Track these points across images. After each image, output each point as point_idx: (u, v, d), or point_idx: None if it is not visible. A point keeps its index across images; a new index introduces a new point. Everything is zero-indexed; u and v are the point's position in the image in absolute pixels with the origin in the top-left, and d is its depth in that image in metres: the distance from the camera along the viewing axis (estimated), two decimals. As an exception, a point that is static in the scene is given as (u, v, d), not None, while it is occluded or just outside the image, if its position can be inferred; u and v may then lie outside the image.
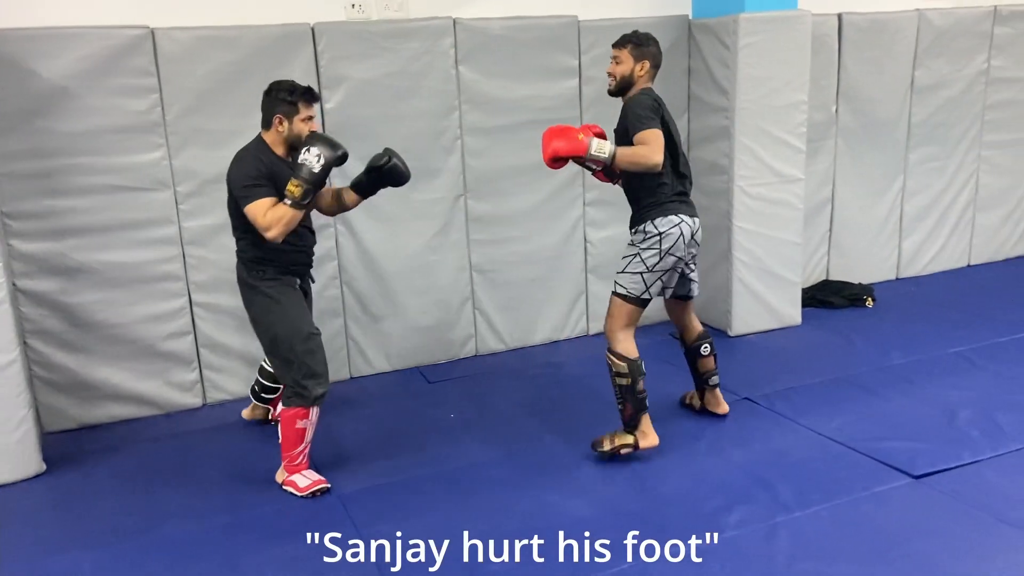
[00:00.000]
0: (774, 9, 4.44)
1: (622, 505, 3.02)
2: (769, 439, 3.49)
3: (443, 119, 4.31)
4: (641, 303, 3.33)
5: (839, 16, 5.12)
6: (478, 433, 3.70)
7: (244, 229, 3.11)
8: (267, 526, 3.00)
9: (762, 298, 4.79)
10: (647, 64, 3.32)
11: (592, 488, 3.16)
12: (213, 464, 3.52)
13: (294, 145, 3.07)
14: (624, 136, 3.25)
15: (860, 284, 5.42)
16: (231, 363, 4.16)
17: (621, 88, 3.37)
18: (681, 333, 3.73)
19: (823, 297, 5.28)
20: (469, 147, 4.40)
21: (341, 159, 3.00)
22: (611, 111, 4.63)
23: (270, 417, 3.84)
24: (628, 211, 3.58)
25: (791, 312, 4.91)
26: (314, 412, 3.15)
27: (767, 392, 3.95)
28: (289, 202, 2.94)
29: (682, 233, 3.28)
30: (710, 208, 4.84)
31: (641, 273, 3.28)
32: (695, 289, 3.59)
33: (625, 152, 3.14)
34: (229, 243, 4.00)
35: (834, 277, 5.54)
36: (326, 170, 2.95)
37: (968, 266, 5.97)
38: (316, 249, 4.16)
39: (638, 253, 3.29)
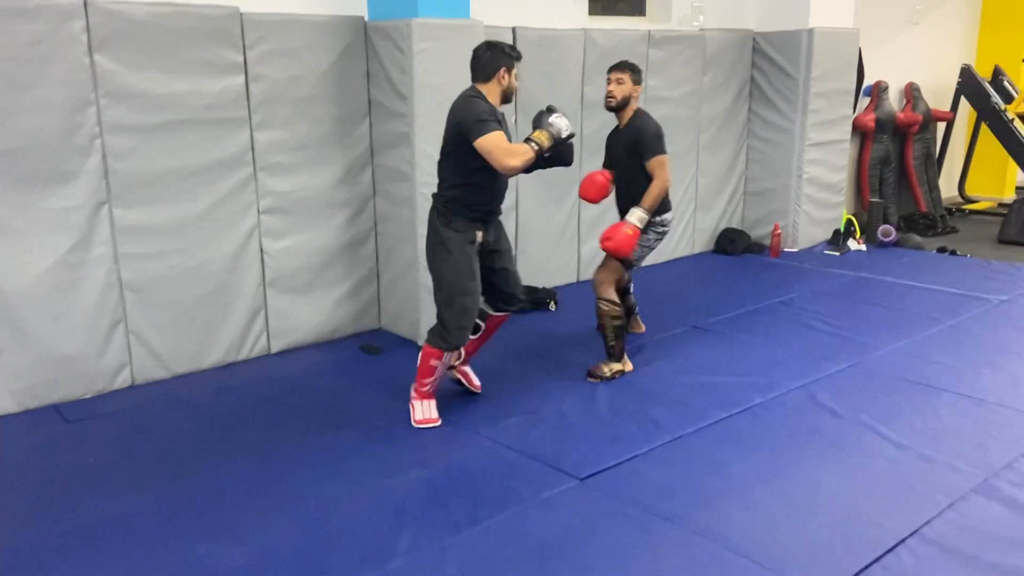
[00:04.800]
0: (447, 16, 4.42)
1: (283, 548, 2.73)
2: (448, 452, 3.41)
3: (76, 114, 3.70)
4: (630, 265, 4.29)
5: (513, 30, 5.27)
6: (124, 478, 3.19)
7: (451, 171, 3.50)
8: None
9: (449, 306, 4.77)
10: (639, 89, 4.18)
11: (252, 533, 2.83)
12: None
13: (507, 97, 3.50)
14: (634, 153, 4.10)
15: (544, 288, 5.65)
16: None
17: (620, 106, 4.16)
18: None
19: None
20: (111, 147, 3.82)
21: (571, 138, 3.53)
22: (284, 111, 4.34)
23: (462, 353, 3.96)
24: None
25: (478, 319, 4.95)
26: (447, 356, 3.60)
27: (450, 402, 3.89)
28: (535, 146, 3.35)
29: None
30: (395, 216, 4.73)
31: (646, 246, 4.20)
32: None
33: (654, 198, 4.03)
34: None
35: (522, 282, 5.70)
36: (566, 140, 3.48)
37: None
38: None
39: (649, 230, 4.15)
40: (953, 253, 6.78)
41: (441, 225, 3.48)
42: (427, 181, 4.51)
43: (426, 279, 4.64)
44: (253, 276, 4.43)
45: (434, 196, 3.58)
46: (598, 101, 5.81)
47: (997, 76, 8.85)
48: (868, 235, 7.30)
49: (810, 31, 6.50)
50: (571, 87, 5.67)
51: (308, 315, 4.69)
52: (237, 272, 4.35)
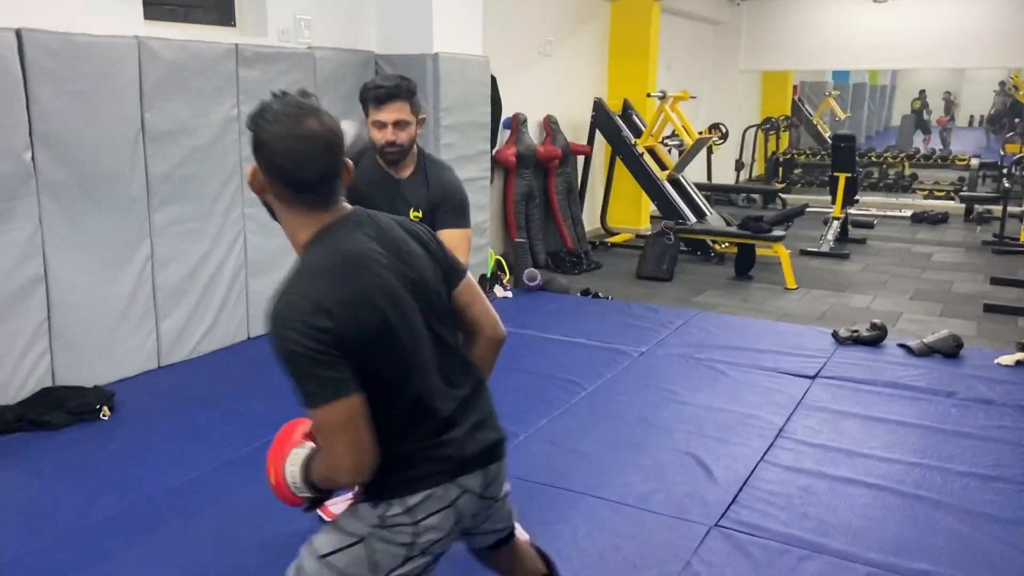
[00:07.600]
0: None
1: None
2: None
3: None
4: None
5: (17, 32, 3.74)
6: None
7: None
8: None
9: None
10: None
11: None
12: None
13: (379, 152, 2.71)
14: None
15: (95, 388, 4.12)
16: None
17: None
18: None
19: (37, 416, 3.81)
20: None
21: None
22: None
23: None
24: None
25: (-33, 455, 3.33)
26: None
27: None
28: None
29: (455, 507, 1.75)
30: None
31: None
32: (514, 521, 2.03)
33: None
34: None
35: (64, 381, 4.12)
36: None
37: (248, 339, 5.21)
38: None
39: (362, 539, 1.70)
40: (596, 296, 6.45)
41: None
42: None
43: None
44: None
45: None
46: (168, 132, 4.47)
47: (626, 110, 9.01)
48: (515, 278, 6.77)
49: (435, 56, 5.75)
50: (123, 114, 4.24)
51: None
52: None
